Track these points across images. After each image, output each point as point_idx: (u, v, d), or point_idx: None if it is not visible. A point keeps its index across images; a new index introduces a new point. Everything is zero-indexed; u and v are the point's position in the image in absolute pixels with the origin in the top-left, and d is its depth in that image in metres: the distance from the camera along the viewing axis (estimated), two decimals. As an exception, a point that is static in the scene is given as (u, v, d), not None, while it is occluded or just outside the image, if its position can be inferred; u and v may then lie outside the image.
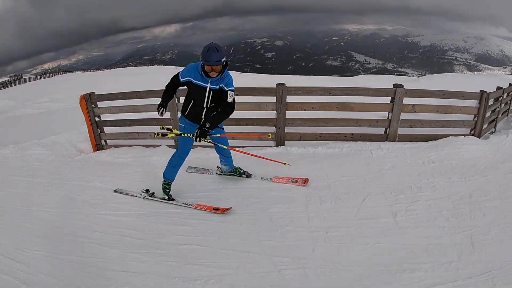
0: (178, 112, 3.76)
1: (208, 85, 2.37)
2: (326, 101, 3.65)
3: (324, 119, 3.71)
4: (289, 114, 3.75)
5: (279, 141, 3.82)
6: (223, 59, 2.25)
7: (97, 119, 4.23)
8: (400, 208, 2.52)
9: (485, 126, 3.98)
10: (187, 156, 2.65)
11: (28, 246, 2.15)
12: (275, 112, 3.66)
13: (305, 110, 3.65)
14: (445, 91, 3.58)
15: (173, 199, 2.63)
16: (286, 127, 3.78)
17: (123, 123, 4.21)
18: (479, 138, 3.69)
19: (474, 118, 3.68)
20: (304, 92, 3.63)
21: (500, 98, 4.14)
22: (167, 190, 2.65)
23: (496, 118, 4.26)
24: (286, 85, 3.55)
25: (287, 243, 2.14)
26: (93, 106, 4.13)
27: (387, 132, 3.64)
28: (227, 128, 3.48)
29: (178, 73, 2.47)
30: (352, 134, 3.73)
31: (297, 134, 3.82)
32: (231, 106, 2.46)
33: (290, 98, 3.64)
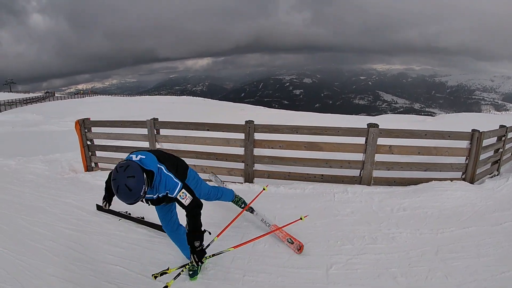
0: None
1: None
2: (294, 139, 3.90)
3: (292, 158, 3.89)
4: (259, 152, 4.07)
5: (247, 177, 4.02)
6: (138, 196, 1.83)
7: (89, 142, 4.97)
8: (340, 260, 2.49)
9: (483, 168, 3.80)
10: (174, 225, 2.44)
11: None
12: (243, 148, 4.03)
13: (272, 148, 3.92)
14: (428, 131, 3.56)
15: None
16: (256, 164, 4.10)
17: (110, 149, 4.86)
18: (472, 183, 3.56)
19: (465, 160, 3.60)
20: (271, 130, 3.86)
21: (503, 138, 3.97)
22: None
23: (499, 159, 4.05)
24: (254, 123, 3.87)
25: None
26: (86, 130, 4.87)
27: (361, 175, 3.71)
28: (199, 161, 4.02)
29: None
30: (322, 175, 3.77)
31: (266, 172, 4.02)
32: (192, 207, 2.07)
33: (259, 136, 3.99)
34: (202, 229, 2.13)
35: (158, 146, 4.49)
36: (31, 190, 4.01)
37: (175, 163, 2.30)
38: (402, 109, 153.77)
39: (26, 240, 2.87)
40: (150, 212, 3.04)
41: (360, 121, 13.38)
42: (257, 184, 3.92)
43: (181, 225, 2.43)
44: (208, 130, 4.15)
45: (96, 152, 5.06)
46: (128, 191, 1.75)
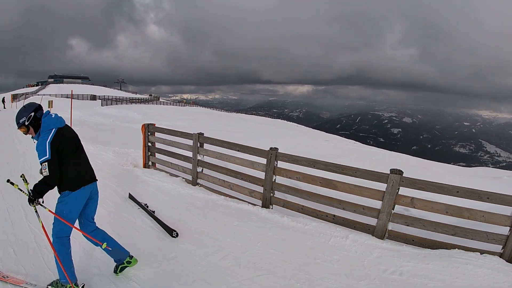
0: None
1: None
2: (311, 173, 4.55)
3: (307, 191, 4.60)
4: (278, 179, 4.94)
5: (265, 202, 5.05)
6: (22, 120, 2.86)
7: (149, 144, 7.03)
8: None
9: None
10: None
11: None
12: (264, 173, 4.96)
13: (289, 178, 4.72)
14: (461, 188, 3.52)
15: None
16: (276, 191, 4.96)
17: (163, 152, 6.84)
18: (510, 262, 3.36)
19: (508, 232, 3.41)
20: (291, 160, 4.69)
21: None
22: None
23: None
24: (277, 151, 4.81)
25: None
26: (149, 133, 6.94)
27: (375, 225, 4.05)
28: (227, 178, 5.53)
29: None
30: (334, 215, 4.38)
31: (281, 200, 4.89)
32: (46, 181, 2.78)
33: (280, 164, 4.86)
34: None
35: (199, 157, 5.93)
36: None
37: (78, 160, 3.13)
38: (504, 164, 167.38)
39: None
40: (163, 209, 4.93)
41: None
42: (272, 211, 4.83)
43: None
44: (238, 151, 5.30)
45: (156, 154, 6.89)
46: (18, 112, 2.92)
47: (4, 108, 31.73)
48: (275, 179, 4.97)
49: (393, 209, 3.95)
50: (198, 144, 6.02)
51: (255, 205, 5.13)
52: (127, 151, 8.20)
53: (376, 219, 4.06)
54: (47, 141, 2.83)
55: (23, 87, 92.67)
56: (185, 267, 3.56)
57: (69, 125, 3.21)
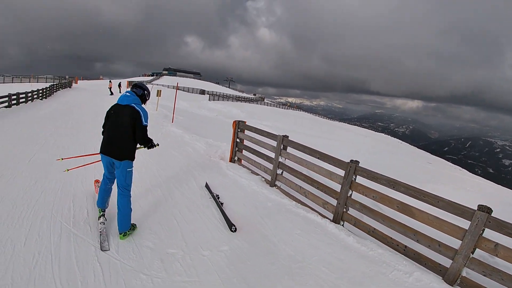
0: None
1: None
2: (389, 194, 4.76)
3: (381, 214, 4.83)
4: (354, 195, 5.29)
5: (336, 217, 5.51)
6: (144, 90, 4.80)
7: (238, 140, 8.12)
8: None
9: None
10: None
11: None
12: (340, 186, 5.37)
13: (365, 195, 5.01)
14: None
15: None
16: (350, 207, 5.31)
17: (249, 150, 7.93)
18: None
19: None
20: (370, 177, 4.99)
21: None
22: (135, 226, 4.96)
23: None
24: (357, 165, 5.18)
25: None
26: (239, 130, 8.02)
27: (449, 267, 4.06)
28: (304, 184, 6.26)
29: (146, 124, 4.44)
30: (406, 246, 4.55)
31: (353, 218, 5.22)
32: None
33: (358, 179, 5.22)
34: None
35: (280, 159, 6.69)
36: (181, 157, 7.40)
37: (106, 132, 4.63)
38: None
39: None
40: (232, 203, 5.90)
41: None
42: (340, 227, 5.30)
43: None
44: (318, 158, 5.83)
45: (243, 150, 7.90)
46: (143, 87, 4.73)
47: (120, 92, 39.21)
48: (350, 194, 5.37)
49: (472, 252, 3.96)
50: (282, 146, 6.79)
51: (325, 217, 5.63)
52: (218, 143, 9.77)
53: (451, 261, 4.10)
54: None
55: (140, 76, 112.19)
56: (232, 262, 4.26)
57: (129, 105, 4.48)
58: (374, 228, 4.98)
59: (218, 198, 6.04)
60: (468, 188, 12.59)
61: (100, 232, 4.45)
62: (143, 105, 4.61)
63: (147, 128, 4.49)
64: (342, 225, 5.47)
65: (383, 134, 64.08)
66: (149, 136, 4.65)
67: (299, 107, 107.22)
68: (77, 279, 3.56)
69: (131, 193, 4.62)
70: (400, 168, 15.59)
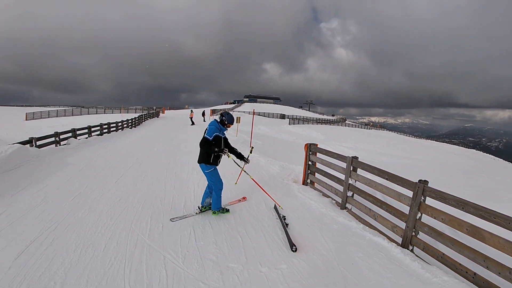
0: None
1: (222, 136, 6.39)
2: (459, 216, 4.59)
3: (451, 238, 4.67)
4: (424, 218, 5.18)
5: (405, 241, 5.46)
6: (231, 119, 6.50)
7: (310, 163, 8.42)
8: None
9: None
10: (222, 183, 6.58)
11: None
12: (408, 208, 5.32)
13: (434, 218, 4.89)
14: None
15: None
16: (419, 231, 5.21)
17: (320, 172, 8.19)
18: None
19: None
20: (439, 198, 4.86)
21: None
22: (224, 210, 6.71)
23: None
24: (426, 185, 5.10)
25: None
26: (310, 153, 8.34)
27: None
28: (373, 206, 6.35)
29: (205, 136, 6.12)
30: (475, 274, 4.35)
31: (422, 242, 5.10)
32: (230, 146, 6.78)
33: (428, 200, 5.12)
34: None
35: (350, 181, 6.87)
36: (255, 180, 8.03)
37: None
38: None
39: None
40: (297, 224, 6.22)
41: None
42: (406, 252, 5.25)
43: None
44: (386, 179, 5.87)
45: (316, 173, 8.19)
46: (231, 116, 6.49)
47: (204, 121, 40.53)
48: (420, 217, 5.29)
49: (549, 282, 3.70)
50: (351, 167, 6.90)
51: (393, 241, 5.62)
52: (293, 166, 10.25)
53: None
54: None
55: (222, 104, 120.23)
56: (287, 280, 4.50)
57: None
58: (443, 254, 4.84)
59: (285, 219, 6.38)
60: None
61: (187, 215, 6.41)
62: (224, 127, 6.35)
63: (210, 140, 6.05)
64: (412, 250, 5.39)
65: (473, 150, 58.73)
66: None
67: (382, 126, 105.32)
68: (143, 281, 4.25)
69: (221, 187, 6.39)
70: (487, 187, 14.27)
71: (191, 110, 41.90)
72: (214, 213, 6.45)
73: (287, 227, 6.04)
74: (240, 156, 6.67)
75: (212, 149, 6.07)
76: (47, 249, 4.90)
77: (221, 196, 6.50)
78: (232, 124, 6.40)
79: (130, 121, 29.06)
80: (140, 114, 42.30)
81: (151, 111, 53.49)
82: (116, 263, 4.60)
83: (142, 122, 35.79)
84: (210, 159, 6.18)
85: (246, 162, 6.71)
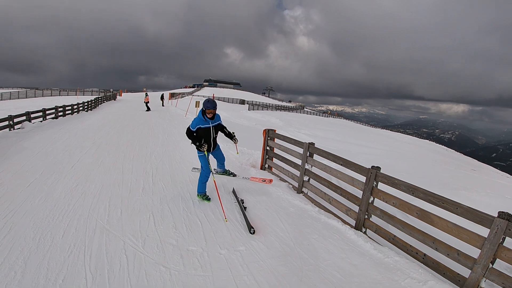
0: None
1: (210, 125, 6.22)
2: (409, 200, 4.74)
3: (402, 221, 4.81)
4: (378, 203, 5.30)
5: (358, 223, 5.55)
6: (216, 106, 6.20)
7: (268, 148, 8.36)
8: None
9: None
10: (210, 171, 6.39)
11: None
12: (362, 192, 5.41)
13: (386, 202, 5.02)
14: None
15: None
16: (372, 214, 5.33)
17: (278, 157, 8.17)
18: None
19: None
20: (390, 183, 4.97)
21: None
22: (209, 198, 6.52)
23: None
24: (378, 171, 5.20)
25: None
26: (268, 138, 8.25)
27: (468, 277, 3.97)
28: (328, 190, 6.40)
29: (189, 126, 6.27)
30: (425, 255, 4.49)
31: (374, 225, 5.23)
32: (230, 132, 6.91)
33: (379, 185, 5.23)
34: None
35: (307, 166, 6.83)
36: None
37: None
38: None
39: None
40: (255, 208, 6.14)
41: None
42: (359, 233, 5.31)
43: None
44: (341, 165, 5.91)
45: (273, 158, 8.17)
46: (215, 103, 6.20)
47: (163, 106, 38.03)
48: (372, 201, 5.39)
49: (492, 263, 3.85)
50: (308, 153, 6.91)
51: (347, 224, 5.70)
52: (252, 151, 10.12)
53: (470, 271, 4.02)
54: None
55: (181, 88, 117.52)
56: (246, 261, 4.49)
57: None
58: (394, 236, 4.96)
59: (243, 202, 6.31)
60: (507, 196, 11.89)
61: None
62: (204, 116, 6.23)
63: (190, 129, 6.26)
64: (364, 232, 5.49)
65: (427, 140, 61.95)
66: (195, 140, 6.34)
67: (340, 115, 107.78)
68: (104, 267, 4.11)
69: (203, 172, 6.39)
70: (439, 176, 15.06)
71: (146, 94, 34.89)
72: (198, 195, 6.50)
73: (245, 210, 6.00)
74: (229, 136, 6.85)
75: (192, 139, 6.29)
76: (5, 238, 4.64)
77: (204, 183, 6.48)
78: (211, 109, 6.18)
79: (86, 104, 27.69)
80: (97, 96, 40.36)
81: (108, 94, 51.07)
82: (76, 250, 4.44)
83: (98, 105, 34.22)
84: (199, 146, 6.32)
85: (234, 141, 6.82)
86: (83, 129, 15.41)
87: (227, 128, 6.89)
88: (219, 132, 6.64)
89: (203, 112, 6.21)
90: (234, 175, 7.17)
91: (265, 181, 5.76)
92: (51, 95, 52.60)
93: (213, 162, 7.00)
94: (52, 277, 3.85)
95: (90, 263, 4.18)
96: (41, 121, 16.92)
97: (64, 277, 3.87)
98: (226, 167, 7.40)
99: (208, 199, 6.45)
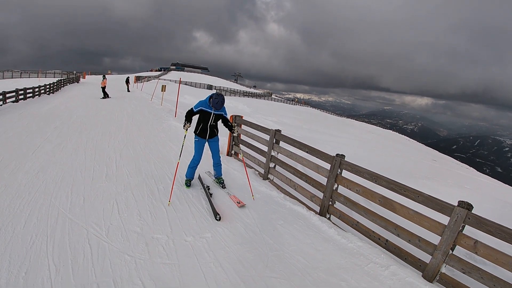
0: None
1: (213, 111, 5.98)
2: (372, 188, 4.75)
3: (365, 208, 4.81)
4: (342, 190, 5.28)
5: (322, 210, 5.49)
6: (223, 102, 5.95)
7: (234, 134, 8.16)
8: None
9: None
10: (200, 159, 6.23)
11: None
12: (326, 179, 5.38)
13: (350, 189, 5.00)
14: None
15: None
16: (336, 201, 5.31)
17: (244, 144, 7.98)
18: None
19: None
20: (354, 171, 4.94)
21: None
22: (188, 185, 5.99)
23: None
24: (342, 159, 5.17)
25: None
26: (235, 124, 8.02)
27: (428, 262, 4.02)
28: (293, 177, 6.25)
29: (192, 108, 6.05)
30: (387, 240, 4.48)
31: (338, 211, 5.20)
32: (231, 125, 6.44)
33: (343, 173, 5.21)
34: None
35: (273, 153, 6.71)
36: (178, 150, 7.45)
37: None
38: None
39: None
40: (220, 194, 6.03)
41: None
42: (323, 219, 5.28)
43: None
44: (307, 152, 5.83)
45: (240, 145, 8.03)
46: (223, 99, 5.88)
47: (128, 91, 33.38)
48: (336, 188, 5.33)
49: (452, 249, 3.90)
50: (274, 140, 6.77)
51: (312, 210, 5.62)
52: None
53: (431, 256, 4.07)
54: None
55: (147, 71, 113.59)
56: (212, 248, 4.36)
57: None
58: (358, 222, 4.93)
59: (209, 189, 6.11)
60: (467, 186, 12.41)
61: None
62: (209, 101, 6.02)
63: (191, 109, 6.10)
64: (329, 218, 5.44)
65: (390, 131, 63.91)
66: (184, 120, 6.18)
67: (307, 103, 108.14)
68: (68, 257, 3.90)
69: (195, 161, 6.36)
70: (401, 165, 15.48)
71: (104, 76, 26.39)
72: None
73: (211, 196, 5.81)
74: (229, 127, 6.49)
75: (187, 114, 6.08)
76: (-37, 231, 4.17)
77: (191, 168, 6.37)
78: (218, 109, 6.00)
79: (48, 86, 26.07)
80: (59, 79, 38.20)
81: (71, 76, 48.49)
82: (38, 240, 4.19)
83: (61, 88, 32.27)
84: (195, 128, 6.24)
85: (233, 132, 6.44)
86: (45, 113, 14.41)
87: (230, 123, 6.53)
88: (221, 122, 6.41)
89: (210, 98, 5.98)
90: (223, 187, 6.41)
91: (239, 203, 5.52)
92: (12, 77, 49.50)
93: (209, 162, 6.80)
94: (15, 270, 3.60)
95: (53, 253, 3.94)
96: (0, 105, 15.80)
97: (27, 270, 3.62)
98: (186, 156, 7.15)
99: (188, 185, 6.28)
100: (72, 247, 4.10)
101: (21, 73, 54.34)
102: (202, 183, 6.38)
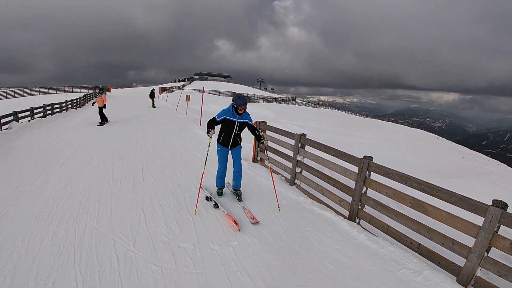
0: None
1: (237, 119, 5.86)
2: (402, 190, 4.67)
3: (396, 211, 4.74)
4: (371, 193, 5.23)
5: (351, 214, 5.47)
6: (246, 103, 5.88)
7: (265, 144, 8.30)
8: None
9: None
10: (225, 169, 6.23)
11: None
12: (354, 183, 5.34)
13: (379, 192, 4.95)
14: None
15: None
16: (366, 205, 5.26)
17: (270, 149, 8.02)
18: None
19: None
20: (382, 173, 4.88)
21: None
22: (220, 193, 6.14)
23: None
24: (370, 161, 5.13)
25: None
26: (260, 130, 8.10)
27: (463, 266, 3.91)
28: (320, 182, 6.27)
29: (214, 117, 5.98)
30: (420, 244, 4.41)
31: (368, 215, 5.15)
32: (258, 130, 6.34)
33: (372, 175, 5.16)
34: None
35: (299, 158, 6.74)
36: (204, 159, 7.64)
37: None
38: None
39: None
40: (248, 199, 6.12)
41: None
42: (353, 224, 5.23)
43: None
44: (333, 155, 5.83)
45: (265, 150, 8.13)
46: (245, 99, 5.88)
47: (154, 106, 28.03)
48: (365, 191, 5.30)
49: (487, 251, 3.80)
50: (299, 144, 6.81)
51: (340, 215, 5.61)
52: (243, 145, 9.89)
53: (465, 260, 3.97)
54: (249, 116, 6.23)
55: (171, 82, 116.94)
56: (239, 256, 4.39)
57: None
58: (388, 226, 4.87)
59: (210, 199, 6.13)
60: (499, 183, 11.95)
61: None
62: (232, 110, 5.94)
63: (214, 118, 5.99)
64: (358, 222, 5.41)
65: (418, 129, 62.51)
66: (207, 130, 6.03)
67: (331, 105, 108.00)
68: (95, 268, 3.99)
69: (220, 170, 6.29)
70: (431, 164, 15.11)
71: (101, 90, 17.87)
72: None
73: (217, 207, 5.85)
74: (258, 138, 6.35)
75: (209, 123, 5.99)
76: (-6, 242, 4.45)
77: (219, 178, 6.34)
78: (243, 105, 5.89)
79: (74, 101, 27.22)
80: (86, 93, 39.73)
81: (97, 90, 50.44)
82: (66, 251, 4.32)
83: (87, 102, 33.69)
84: (218, 137, 6.23)
85: (262, 143, 6.31)
86: (72, 127, 15.07)
87: (258, 131, 6.40)
88: (247, 130, 6.28)
89: (233, 106, 5.91)
90: (240, 200, 6.19)
91: (253, 219, 5.38)
92: (39, 94, 51.73)
93: (230, 173, 6.70)
94: (42, 281, 3.72)
95: (80, 264, 4.05)
96: (29, 121, 16.50)
97: (54, 280, 3.74)
98: (212, 164, 7.28)
99: (219, 194, 6.35)
100: (99, 257, 4.22)
101: (48, 89, 56.73)
102: (229, 190, 6.53)
